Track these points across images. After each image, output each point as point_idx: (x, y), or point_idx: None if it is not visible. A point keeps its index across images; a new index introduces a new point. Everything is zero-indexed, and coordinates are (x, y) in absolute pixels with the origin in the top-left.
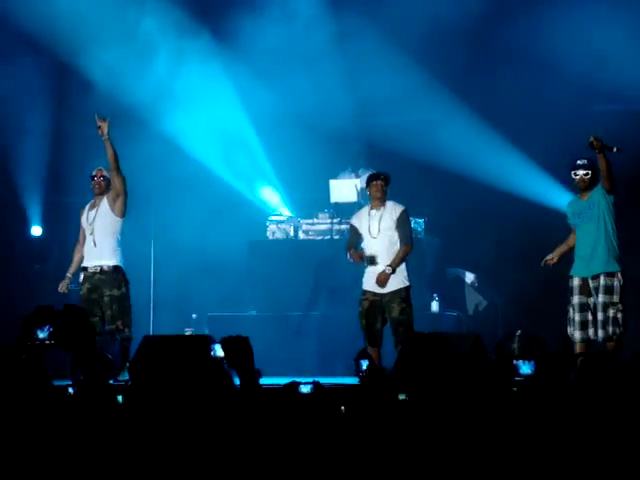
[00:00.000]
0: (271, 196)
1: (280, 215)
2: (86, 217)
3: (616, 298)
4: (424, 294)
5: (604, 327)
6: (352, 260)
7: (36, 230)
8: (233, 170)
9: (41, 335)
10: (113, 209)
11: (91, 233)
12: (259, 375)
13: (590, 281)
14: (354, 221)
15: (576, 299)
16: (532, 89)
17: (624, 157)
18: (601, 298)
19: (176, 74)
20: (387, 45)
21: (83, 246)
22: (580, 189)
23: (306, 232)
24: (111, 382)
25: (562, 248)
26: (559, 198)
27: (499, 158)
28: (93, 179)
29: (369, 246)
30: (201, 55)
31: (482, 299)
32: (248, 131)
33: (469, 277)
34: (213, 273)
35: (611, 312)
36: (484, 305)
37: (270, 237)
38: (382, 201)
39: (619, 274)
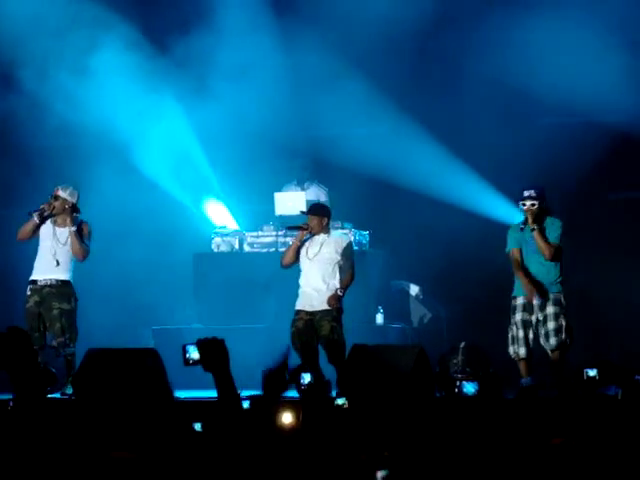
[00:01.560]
0: (216, 209)
1: (225, 228)
2: (50, 234)
3: (564, 310)
4: (369, 306)
5: (557, 334)
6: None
7: None
8: (178, 182)
9: None
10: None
11: (54, 253)
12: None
13: (535, 299)
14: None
15: (519, 316)
16: (479, 102)
17: (573, 170)
18: (551, 309)
19: (121, 87)
20: (333, 57)
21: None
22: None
23: (251, 244)
24: (56, 396)
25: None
26: (505, 212)
27: (445, 171)
28: (55, 198)
29: (305, 267)
30: (145, 68)
31: (427, 311)
32: (193, 143)
33: (414, 289)
34: (158, 286)
35: (563, 321)
36: (429, 317)
37: (215, 250)
38: (322, 232)
39: (563, 293)
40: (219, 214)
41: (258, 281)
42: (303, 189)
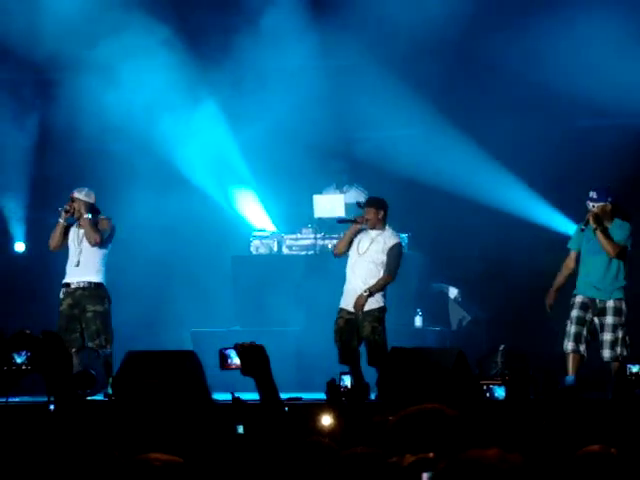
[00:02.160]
0: (255, 211)
1: (264, 230)
2: (75, 236)
3: (624, 320)
4: (407, 309)
5: (613, 347)
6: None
7: (19, 246)
8: (218, 185)
9: (19, 360)
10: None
11: (79, 252)
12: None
13: (597, 301)
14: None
15: (575, 312)
16: (516, 104)
17: (613, 172)
18: (610, 319)
19: (160, 91)
20: (371, 60)
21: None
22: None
23: (290, 247)
24: (98, 397)
25: (559, 281)
26: (543, 214)
27: (483, 173)
28: (73, 200)
29: (354, 263)
30: (184, 72)
31: (466, 314)
32: (233, 146)
33: (453, 292)
34: (197, 288)
35: (620, 333)
36: (468, 320)
37: (254, 252)
38: (377, 226)
39: (624, 300)
40: (258, 216)
41: (297, 284)
42: (342, 192)
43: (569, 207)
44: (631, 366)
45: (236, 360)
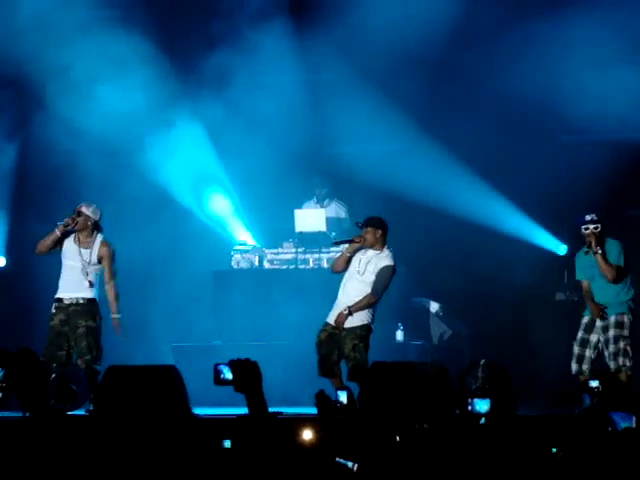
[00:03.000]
0: (236, 225)
1: (245, 244)
2: (75, 254)
3: (626, 332)
4: (389, 323)
5: (615, 358)
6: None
7: (0, 261)
8: (198, 200)
9: None
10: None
11: (87, 273)
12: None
13: (599, 320)
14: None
15: (579, 334)
16: (498, 120)
17: (591, 187)
18: (612, 332)
19: (140, 103)
20: (351, 74)
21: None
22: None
23: (271, 261)
24: (79, 412)
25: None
26: (525, 229)
27: (464, 189)
28: (78, 214)
29: (350, 280)
30: (164, 86)
31: (447, 328)
32: (213, 161)
33: (434, 306)
34: (177, 303)
35: (622, 344)
36: (449, 334)
37: (235, 266)
38: (375, 246)
39: (629, 312)
40: (239, 231)
41: (278, 298)
42: (323, 206)
43: (551, 222)
44: (591, 381)
45: (229, 375)
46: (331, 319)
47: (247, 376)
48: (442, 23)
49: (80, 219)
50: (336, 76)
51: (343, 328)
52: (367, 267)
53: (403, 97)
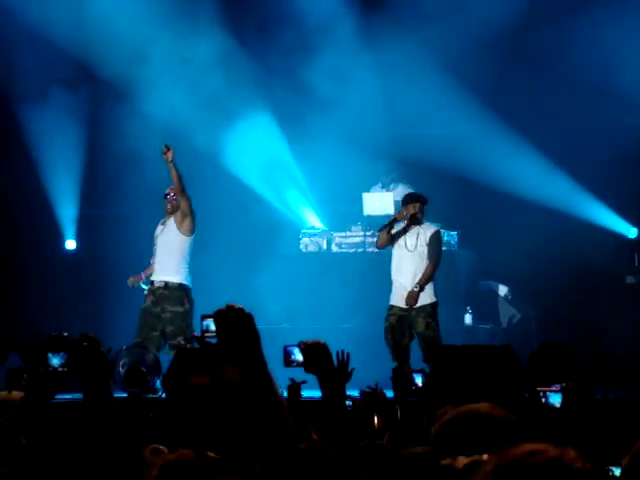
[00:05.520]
0: (304, 209)
1: (313, 228)
2: (156, 234)
3: None
4: (457, 307)
5: None
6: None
7: (70, 244)
8: (268, 183)
9: (55, 361)
10: (180, 228)
11: (156, 250)
12: None
13: None
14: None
15: None
16: (565, 102)
17: None
18: None
19: (208, 89)
20: (420, 58)
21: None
22: None
23: (339, 245)
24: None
25: None
26: (593, 211)
27: (532, 171)
28: (166, 197)
29: (401, 260)
30: (233, 68)
31: (516, 312)
32: (282, 145)
33: (502, 290)
34: (247, 286)
35: None
36: (518, 318)
37: (303, 250)
38: (419, 222)
39: None
40: (307, 214)
41: (346, 281)
42: (389, 190)
43: (619, 204)
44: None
45: (299, 357)
46: (397, 302)
47: (316, 357)
48: (509, 6)
49: (176, 202)
50: (404, 58)
51: (414, 307)
52: (417, 241)
53: (471, 80)
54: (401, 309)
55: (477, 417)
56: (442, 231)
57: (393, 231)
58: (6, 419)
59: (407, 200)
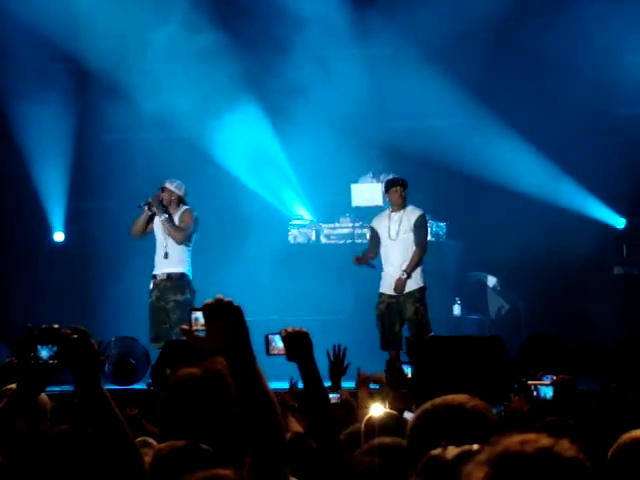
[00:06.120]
0: (293, 200)
1: (302, 219)
2: (155, 228)
3: None
4: (446, 298)
5: None
6: (357, 263)
7: (58, 236)
8: (255, 175)
9: (44, 353)
10: (180, 224)
11: (165, 245)
12: None
13: None
14: (374, 223)
15: None
16: (554, 91)
17: None
18: None
19: (200, 79)
20: (410, 48)
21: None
22: None
23: (328, 236)
24: (139, 387)
25: None
26: (582, 202)
27: (521, 162)
28: (162, 190)
29: (387, 248)
30: (228, 62)
31: (504, 303)
32: (270, 136)
33: (491, 281)
34: (234, 278)
35: None
36: (506, 309)
37: (292, 241)
38: (402, 206)
39: None
40: (295, 206)
41: (335, 273)
42: (379, 181)
43: (607, 195)
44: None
45: (280, 344)
46: (385, 289)
47: (298, 346)
48: None
49: (164, 195)
50: (394, 49)
51: (402, 293)
52: (399, 228)
53: (460, 71)
54: (389, 296)
55: (452, 408)
56: (431, 222)
57: (379, 219)
58: None
59: (388, 185)
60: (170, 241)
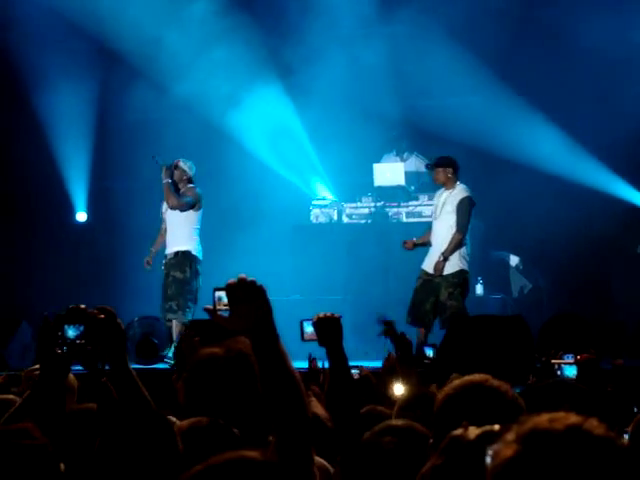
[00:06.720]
0: (315, 180)
1: (324, 199)
2: (164, 209)
3: None
4: (469, 277)
5: None
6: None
7: (81, 216)
8: (277, 155)
9: (71, 333)
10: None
11: (171, 223)
12: None
13: None
14: (433, 200)
15: None
16: (578, 70)
17: None
18: None
19: (217, 59)
20: (431, 26)
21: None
22: None
23: (350, 216)
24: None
25: None
26: (605, 181)
27: (544, 140)
28: (175, 168)
29: (433, 226)
30: (250, 41)
31: (527, 282)
32: (292, 116)
33: (514, 260)
34: (257, 257)
35: None
36: (529, 288)
37: (314, 221)
38: (450, 186)
39: None
40: (318, 185)
41: (357, 252)
42: (402, 159)
43: (630, 173)
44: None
45: (311, 330)
46: (426, 266)
47: (329, 330)
48: None
49: (177, 172)
50: (416, 28)
51: (439, 276)
52: (443, 209)
53: (483, 49)
54: (427, 273)
55: (472, 388)
56: None
57: (435, 197)
58: (27, 396)
59: (439, 164)
60: (175, 219)
